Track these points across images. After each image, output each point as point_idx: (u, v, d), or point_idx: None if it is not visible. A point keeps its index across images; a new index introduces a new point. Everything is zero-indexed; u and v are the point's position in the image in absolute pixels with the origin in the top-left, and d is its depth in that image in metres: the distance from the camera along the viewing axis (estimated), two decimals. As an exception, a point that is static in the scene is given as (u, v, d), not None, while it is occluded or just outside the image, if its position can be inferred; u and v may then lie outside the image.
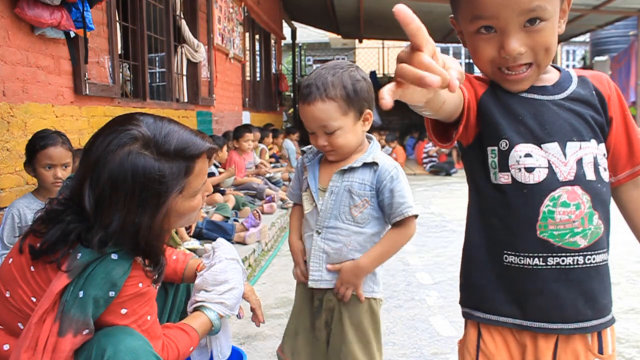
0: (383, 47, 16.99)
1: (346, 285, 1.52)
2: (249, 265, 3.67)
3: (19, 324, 1.23)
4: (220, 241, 1.68)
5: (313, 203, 1.56)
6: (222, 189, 5.02)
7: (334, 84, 1.45)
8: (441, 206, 6.31)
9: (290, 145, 9.00)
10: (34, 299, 1.21)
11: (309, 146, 1.65)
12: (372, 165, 1.52)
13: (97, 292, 1.16)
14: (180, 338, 1.40)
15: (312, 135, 1.53)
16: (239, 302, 1.60)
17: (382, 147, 10.29)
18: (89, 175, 1.20)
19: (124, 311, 1.22)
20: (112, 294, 1.18)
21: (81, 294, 1.15)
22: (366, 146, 1.58)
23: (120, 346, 1.18)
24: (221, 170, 5.16)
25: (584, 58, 14.92)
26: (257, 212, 4.14)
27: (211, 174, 4.94)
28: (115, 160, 1.19)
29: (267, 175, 6.29)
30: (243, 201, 4.92)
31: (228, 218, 4.28)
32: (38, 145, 2.39)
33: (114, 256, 1.19)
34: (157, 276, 1.31)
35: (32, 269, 1.22)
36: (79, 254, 1.17)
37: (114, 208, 1.19)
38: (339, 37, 15.15)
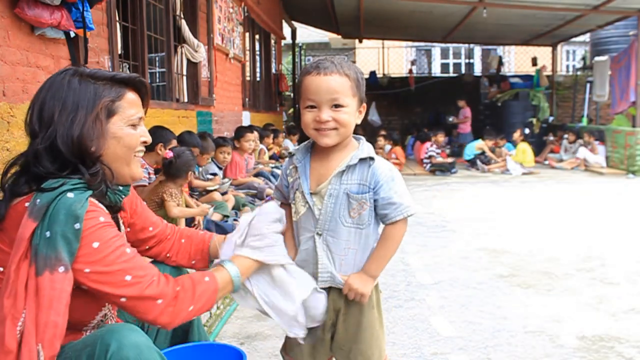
0: (383, 47, 16.99)
1: (355, 293, 1.53)
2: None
3: None
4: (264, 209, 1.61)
5: (306, 205, 1.55)
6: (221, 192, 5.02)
7: (349, 66, 1.51)
8: (441, 206, 6.30)
9: (289, 145, 9.01)
10: (1, 269, 1.27)
11: (297, 147, 1.65)
12: (367, 160, 1.52)
13: (62, 228, 1.22)
14: (193, 274, 1.43)
15: (313, 111, 1.49)
16: (277, 253, 1.53)
17: (382, 148, 10.26)
18: (32, 104, 1.37)
19: (95, 244, 1.27)
20: (77, 226, 1.24)
21: (48, 234, 1.21)
22: (356, 145, 1.58)
23: (124, 341, 1.20)
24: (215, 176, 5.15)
25: (584, 58, 14.91)
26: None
27: (213, 174, 4.94)
28: (50, 84, 1.38)
29: (271, 166, 6.38)
30: (243, 201, 4.92)
31: (227, 217, 4.28)
32: None
33: (69, 194, 1.26)
34: (103, 189, 1.37)
35: None
36: (38, 200, 1.24)
37: (52, 120, 1.33)
38: (339, 37, 15.15)
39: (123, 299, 1.28)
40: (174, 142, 4.12)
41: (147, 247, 1.72)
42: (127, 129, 1.42)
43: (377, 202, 1.52)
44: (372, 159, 1.53)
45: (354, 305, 1.55)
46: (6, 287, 1.21)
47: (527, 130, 10.88)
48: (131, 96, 1.45)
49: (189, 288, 1.36)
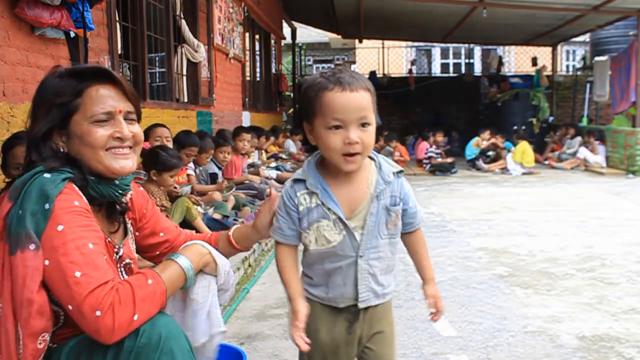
0: (383, 47, 16.98)
1: (439, 302, 1.57)
2: (249, 265, 3.67)
3: None
4: None
5: (342, 231, 1.44)
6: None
7: (365, 80, 1.43)
8: (441, 206, 6.30)
9: (291, 146, 9.02)
10: None
11: (300, 172, 1.51)
12: (397, 174, 1.51)
13: (32, 207, 1.23)
14: (133, 278, 1.31)
15: (339, 132, 1.37)
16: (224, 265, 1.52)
17: (382, 147, 10.26)
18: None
19: (60, 228, 1.24)
20: (47, 206, 1.24)
21: (20, 212, 1.23)
22: (368, 159, 1.51)
23: (157, 322, 1.27)
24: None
25: (584, 58, 14.91)
26: (259, 212, 4.14)
27: (214, 175, 4.94)
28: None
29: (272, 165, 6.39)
30: (243, 201, 4.92)
31: (227, 217, 4.28)
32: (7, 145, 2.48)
33: (46, 175, 1.28)
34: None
35: None
36: (17, 181, 1.29)
37: (32, 120, 1.38)
38: (339, 37, 15.15)
39: (70, 307, 1.21)
40: (194, 149, 4.37)
41: (157, 252, 1.67)
42: (89, 127, 1.36)
43: (406, 211, 1.53)
44: (402, 170, 1.53)
45: (387, 322, 1.57)
46: None
47: (523, 127, 10.88)
48: (97, 92, 1.37)
49: (126, 297, 1.23)
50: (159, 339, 1.24)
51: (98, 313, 1.19)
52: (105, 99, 1.38)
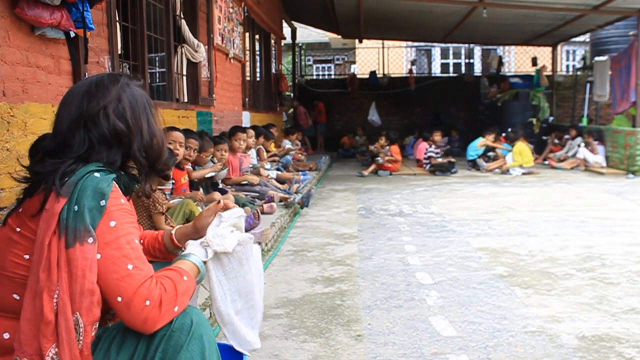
0: (383, 47, 16.99)
1: None
2: (249, 265, 3.67)
3: (14, 295, 1.34)
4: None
5: None
6: (220, 187, 5.03)
7: None
8: (441, 206, 6.30)
9: (287, 144, 9.01)
10: (26, 257, 1.33)
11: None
12: None
13: (89, 203, 1.30)
14: (167, 272, 1.41)
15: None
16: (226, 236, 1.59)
17: (383, 146, 10.24)
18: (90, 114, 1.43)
19: (112, 223, 1.32)
20: (102, 202, 1.31)
21: (76, 207, 1.29)
22: None
23: (189, 310, 1.39)
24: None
25: (584, 58, 14.89)
26: (257, 212, 4.13)
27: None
28: (114, 93, 1.47)
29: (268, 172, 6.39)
30: (243, 202, 4.92)
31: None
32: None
33: (96, 174, 1.35)
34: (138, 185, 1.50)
35: (17, 229, 1.35)
36: (66, 178, 1.34)
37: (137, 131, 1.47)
38: (339, 37, 15.16)
39: (119, 299, 1.28)
40: (211, 150, 4.55)
41: None
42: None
43: None
44: None
45: None
46: (40, 260, 1.27)
47: (509, 129, 10.88)
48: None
49: (170, 289, 1.35)
50: (190, 325, 1.36)
51: (148, 302, 1.29)
52: None
